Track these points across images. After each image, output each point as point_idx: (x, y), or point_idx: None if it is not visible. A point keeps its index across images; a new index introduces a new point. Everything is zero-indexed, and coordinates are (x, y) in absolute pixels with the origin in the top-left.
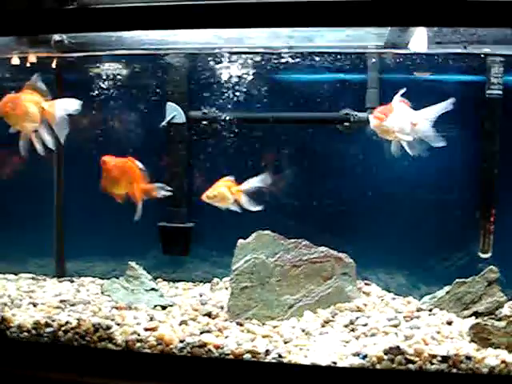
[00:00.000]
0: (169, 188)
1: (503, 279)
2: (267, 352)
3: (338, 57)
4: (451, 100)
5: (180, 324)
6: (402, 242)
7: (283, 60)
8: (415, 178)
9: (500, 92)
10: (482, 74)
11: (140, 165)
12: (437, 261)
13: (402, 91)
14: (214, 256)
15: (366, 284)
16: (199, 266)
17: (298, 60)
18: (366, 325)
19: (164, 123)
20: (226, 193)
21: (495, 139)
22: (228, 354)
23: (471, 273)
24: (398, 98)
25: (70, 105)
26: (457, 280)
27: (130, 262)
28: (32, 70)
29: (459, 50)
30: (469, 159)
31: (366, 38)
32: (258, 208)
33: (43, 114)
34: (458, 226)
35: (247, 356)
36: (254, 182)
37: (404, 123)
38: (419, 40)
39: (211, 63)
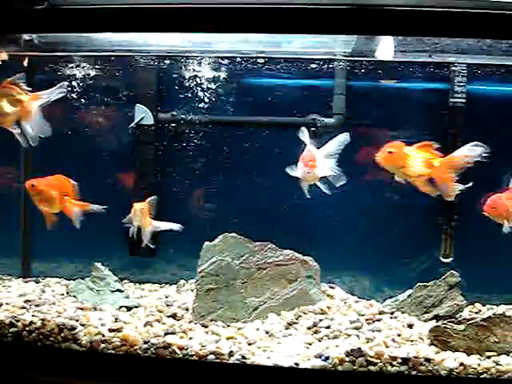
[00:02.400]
0: (103, 207)
1: (464, 283)
2: (231, 353)
3: (306, 63)
4: (346, 135)
5: (145, 325)
6: (365, 245)
7: (252, 64)
8: (378, 182)
9: (463, 100)
10: (446, 82)
11: (71, 181)
12: (399, 265)
13: (306, 135)
14: (181, 258)
15: (330, 287)
16: (166, 267)
17: (266, 65)
18: (328, 327)
19: (133, 125)
20: (144, 215)
21: (457, 146)
22: (192, 355)
23: (433, 277)
24: (308, 141)
25: (53, 92)
26: (418, 284)
27: (95, 263)
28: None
29: (424, 59)
30: None
31: (334, 45)
32: (152, 247)
33: (22, 109)
34: (420, 230)
35: (211, 357)
36: (164, 225)
37: (324, 166)
38: (385, 48)
39: (180, 66)
